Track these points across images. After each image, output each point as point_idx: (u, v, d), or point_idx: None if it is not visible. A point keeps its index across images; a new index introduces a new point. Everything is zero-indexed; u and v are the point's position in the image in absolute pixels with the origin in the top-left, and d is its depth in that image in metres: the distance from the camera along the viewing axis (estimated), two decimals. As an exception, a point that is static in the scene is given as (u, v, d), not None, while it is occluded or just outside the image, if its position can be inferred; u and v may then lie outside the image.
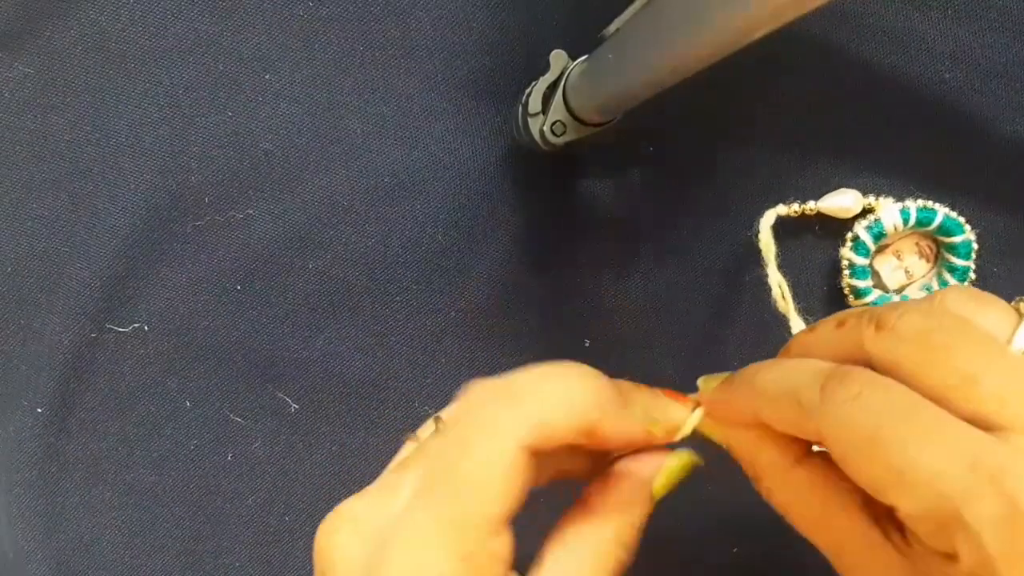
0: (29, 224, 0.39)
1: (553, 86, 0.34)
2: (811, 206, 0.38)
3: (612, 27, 0.30)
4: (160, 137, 0.38)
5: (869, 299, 0.38)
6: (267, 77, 0.38)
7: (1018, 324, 0.23)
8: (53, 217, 0.38)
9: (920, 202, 0.38)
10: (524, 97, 0.35)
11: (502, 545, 0.22)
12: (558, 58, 0.34)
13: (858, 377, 0.22)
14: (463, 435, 0.23)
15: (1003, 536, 0.19)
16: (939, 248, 0.39)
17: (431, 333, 0.39)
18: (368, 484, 0.40)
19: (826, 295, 0.40)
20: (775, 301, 0.35)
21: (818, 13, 0.24)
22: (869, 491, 0.22)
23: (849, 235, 0.38)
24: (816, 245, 0.39)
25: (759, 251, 0.38)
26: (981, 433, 0.20)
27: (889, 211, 0.38)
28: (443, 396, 0.39)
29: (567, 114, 0.33)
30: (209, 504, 0.39)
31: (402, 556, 0.22)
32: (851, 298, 0.39)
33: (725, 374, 0.28)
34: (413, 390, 0.39)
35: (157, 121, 0.38)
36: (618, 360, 0.39)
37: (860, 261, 0.38)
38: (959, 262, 0.38)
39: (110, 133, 0.38)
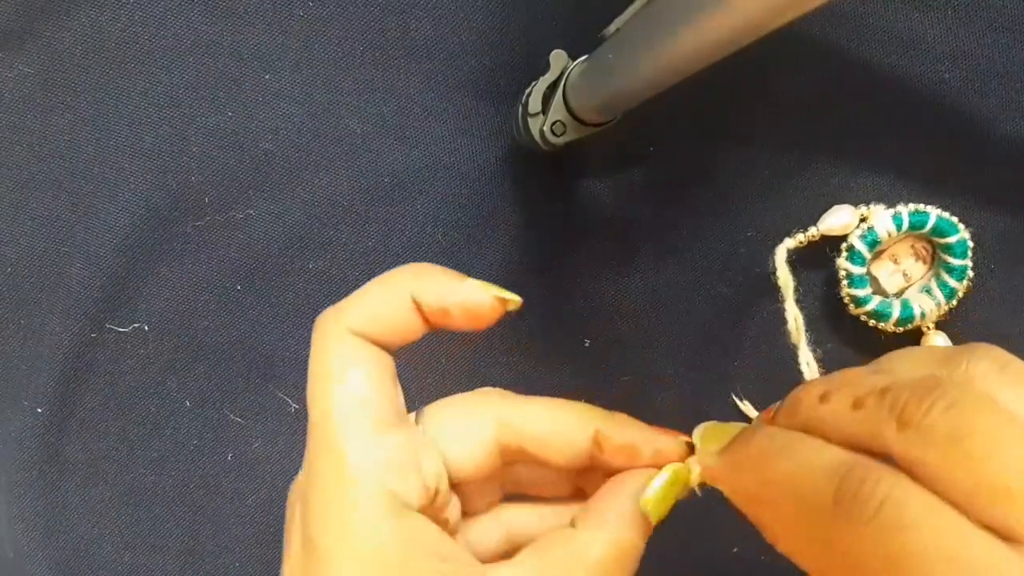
0: (29, 224, 0.39)
1: (553, 86, 0.34)
2: (813, 232, 0.38)
3: (612, 27, 0.30)
4: (160, 137, 0.38)
5: (870, 306, 0.38)
6: (267, 77, 0.38)
7: None
8: (53, 217, 0.38)
9: (911, 206, 0.38)
10: (524, 97, 0.35)
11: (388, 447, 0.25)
12: (558, 58, 0.34)
13: (875, 491, 0.20)
14: (311, 353, 0.26)
15: None
16: (935, 249, 0.39)
17: (431, 333, 0.39)
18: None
19: (826, 305, 0.40)
20: (789, 333, 0.36)
21: (818, 13, 0.24)
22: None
23: (844, 245, 0.38)
24: (813, 256, 0.39)
25: (763, 251, 0.38)
26: (1002, 547, 0.19)
27: (881, 218, 0.38)
28: (443, 396, 0.39)
29: (567, 114, 0.33)
30: (209, 504, 0.39)
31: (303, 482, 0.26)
32: (852, 307, 0.39)
33: (723, 425, 0.27)
34: (413, 390, 0.39)
35: (157, 121, 0.38)
36: (618, 360, 0.39)
37: (857, 270, 0.38)
38: (956, 261, 0.38)
39: (110, 133, 0.38)
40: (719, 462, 0.26)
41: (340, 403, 0.24)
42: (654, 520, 0.26)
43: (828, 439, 0.22)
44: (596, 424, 0.27)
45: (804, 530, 0.22)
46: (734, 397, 0.40)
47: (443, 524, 0.26)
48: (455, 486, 0.27)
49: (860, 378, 0.23)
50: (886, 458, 0.21)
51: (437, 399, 0.39)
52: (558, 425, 0.27)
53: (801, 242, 0.38)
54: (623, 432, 0.27)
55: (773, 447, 0.23)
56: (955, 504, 0.20)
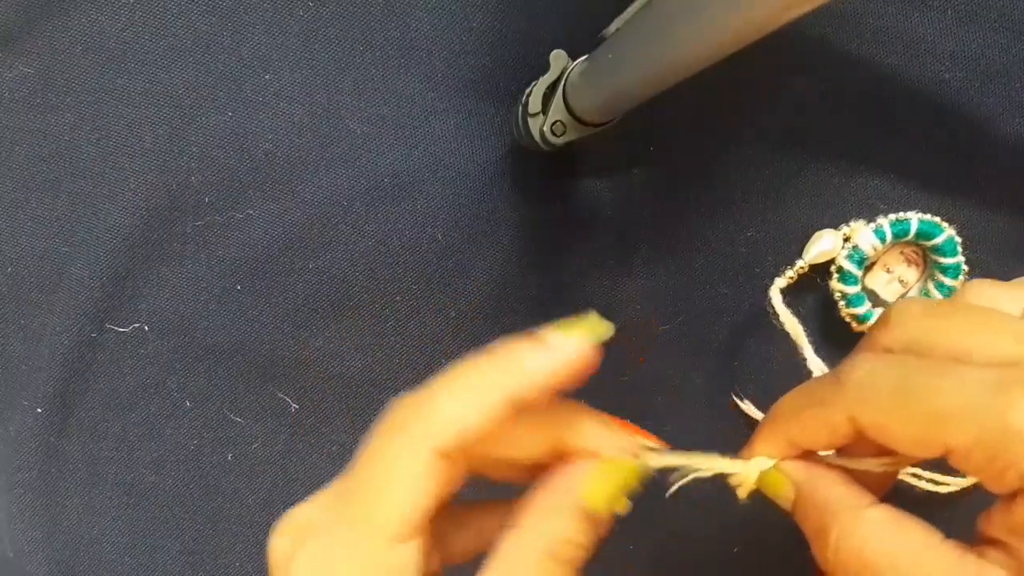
0: (29, 224, 0.39)
1: (553, 86, 0.34)
2: (801, 265, 0.38)
3: (612, 27, 0.30)
4: (160, 137, 0.38)
5: (873, 320, 0.38)
6: (267, 77, 0.38)
7: None
8: (53, 217, 0.38)
9: (892, 216, 0.38)
10: (524, 97, 0.35)
11: (410, 552, 0.22)
12: (558, 58, 0.34)
13: (869, 355, 0.23)
14: (375, 442, 0.23)
15: None
16: (925, 251, 0.39)
17: (431, 333, 0.39)
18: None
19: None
20: (812, 373, 0.35)
21: (818, 13, 0.24)
22: (917, 450, 0.22)
23: (833, 267, 0.38)
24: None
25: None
26: (1000, 366, 0.21)
27: (864, 234, 0.38)
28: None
29: (567, 114, 0.33)
30: (209, 504, 0.39)
31: (306, 555, 0.23)
32: (854, 324, 0.39)
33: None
34: (413, 390, 0.39)
35: (157, 121, 0.38)
36: (618, 360, 0.39)
37: (851, 290, 0.38)
38: (947, 260, 0.38)
39: (110, 133, 0.38)
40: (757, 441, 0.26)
41: (390, 522, 0.22)
42: (602, 514, 0.24)
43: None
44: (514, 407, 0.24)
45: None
46: (734, 397, 0.40)
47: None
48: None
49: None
50: None
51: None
52: (484, 418, 0.24)
53: (791, 278, 0.38)
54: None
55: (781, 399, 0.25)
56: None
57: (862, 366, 0.23)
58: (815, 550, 0.24)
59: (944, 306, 0.24)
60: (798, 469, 0.25)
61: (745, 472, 0.26)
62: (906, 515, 0.23)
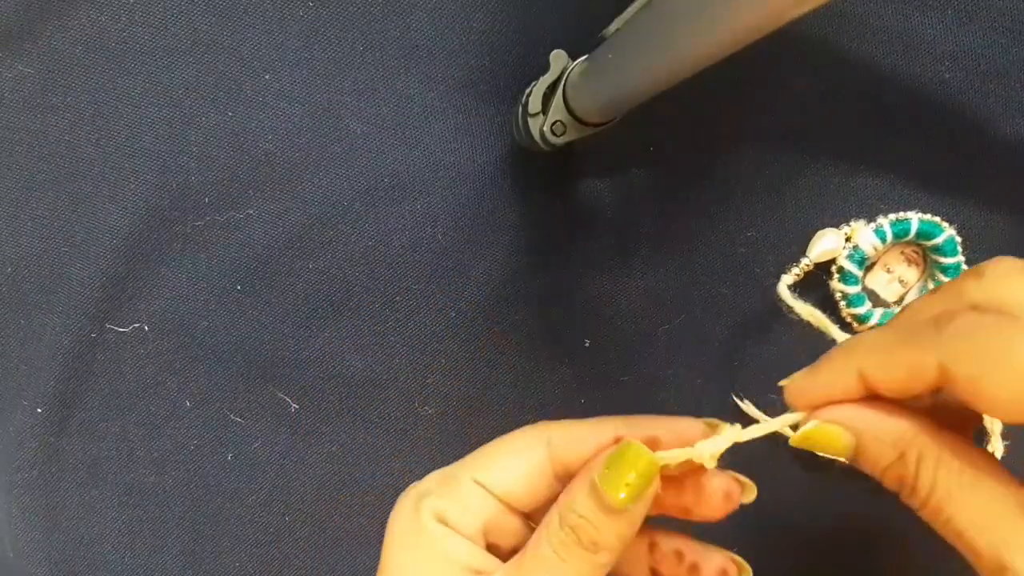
0: (29, 224, 0.39)
1: (553, 86, 0.34)
2: (807, 263, 0.38)
3: (612, 27, 0.30)
4: (160, 137, 0.38)
5: (873, 321, 0.38)
6: (267, 77, 0.38)
7: None
8: (53, 217, 0.38)
9: (892, 216, 0.38)
10: (524, 97, 0.35)
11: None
12: (558, 58, 0.34)
13: (971, 311, 0.22)
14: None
15: None
16: (925, 251, 0.39)
17: (431, 333, 0.39)
18: (368, 484, 0.40)
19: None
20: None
21: (818, 13, 0.24)
22: (1008, 412, 0.21)
23: (834, 267, 0.38)
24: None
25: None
26: None
27: (864, 234, 0.38)
28: (443, 396, 0.39)
29: (567, 114, 0.33)
30: (209, 504, 0.39)
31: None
32: (855, 325, 0.39)
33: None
34: (413, 390, 0.39)
35: (157, 121, 0.38)
36: (618, 360, 0.39)
37: (852, 290, 0.38)
38: (947, 260, 0.38)
39: (110, 133, 0.38)
40: (806, 375, 0.26)
41: None
42: (612, 497, 0.25)
43: None
44: (615, 430, 0.28)
45: None
46: (734, 397, 0.40)
47: None
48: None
49: None
50: None
51: (436, 398, 0.39)
52: (600, 439, 0.28)
53: (798, 275, 0.38)
54: (640, 428, 0.28)
55: (860, 334, 0.25)
56: None
57: (965, 316, 0.22)
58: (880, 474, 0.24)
59: None
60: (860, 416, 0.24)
61: (802, 427, 0.25)
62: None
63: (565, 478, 0.28)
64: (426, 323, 0.39)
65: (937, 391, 0.23)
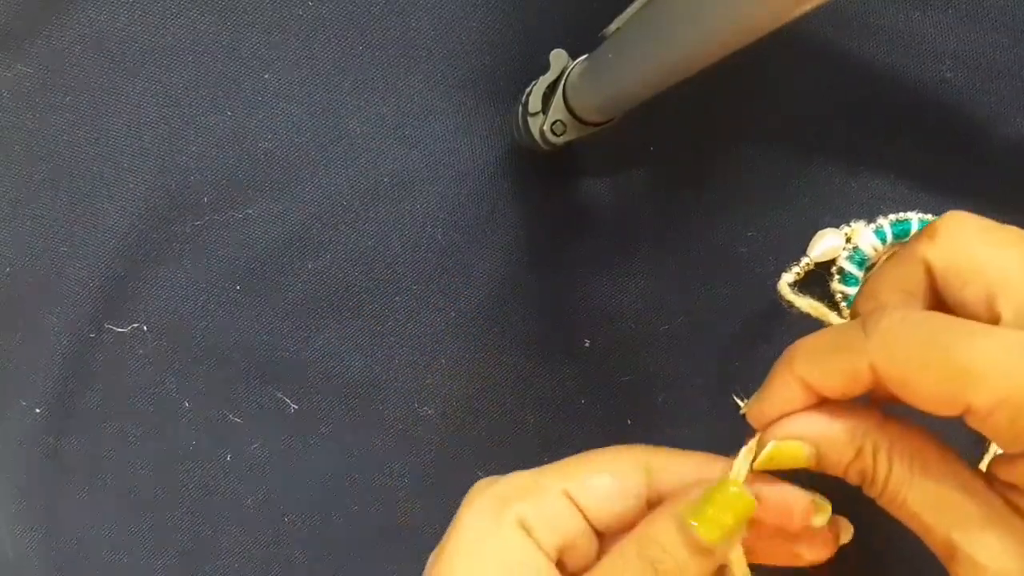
0: (28, 224, 0.38)
1: (553, 86, 0.34)
2: (807, 262, 0.38)
3: (612, 27, 0.30)
4: (159, 137, 0.38)
5: None
6: (266, 77, 0.38)
7: None
8: (52, 217, 0.38)
9: (892, 217, 0.38)
10: (524, 97, 0.35)
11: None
12: (558, 58, 0.33)
13: (897, 309, 0.23)
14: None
15: None
16: None
17: (431, 333, 0.39)
18: (368, 484, 0.40)
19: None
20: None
21: (818, 13, 0.24)
22: (936, 406, 0.22)
23: (835, 269, 0.38)
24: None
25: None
26: None
27: (865, 235, 0.38)
28: (443, 396, 0.39)
29: (567, 114, 0.33)
30: (208, 505, 0.39)
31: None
32: None
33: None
34: (413, 390, 0.39)
35: (156, 121, 0.38)
36: (618, 360, 0.39)
37: (852, 291, 0.38)
38: None
39: (109, 133, 0.38)
40: (759, 397, 0.27)
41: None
42: (704, 537, 0.24)
43: None
44: (723, 470, 0.27)
45: None
46: (734, 397, 0.40)
47: None
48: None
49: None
50: None
51: (436, 398, 0.39)
52: (705, 475, 0.27)
53: (799, 274, 0.38)
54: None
55: (796, 343, 0.25)
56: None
57: (891, 316, 0.23)
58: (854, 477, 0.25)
59: (995, 233, 0.24)
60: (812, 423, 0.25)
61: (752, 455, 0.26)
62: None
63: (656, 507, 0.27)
64: (426, 323, 0.39)
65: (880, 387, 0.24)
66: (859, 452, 0.25)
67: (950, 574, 0.23)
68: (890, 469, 0.24)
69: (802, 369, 0.25)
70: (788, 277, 0.38)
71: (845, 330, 0.24)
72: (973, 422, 0.22)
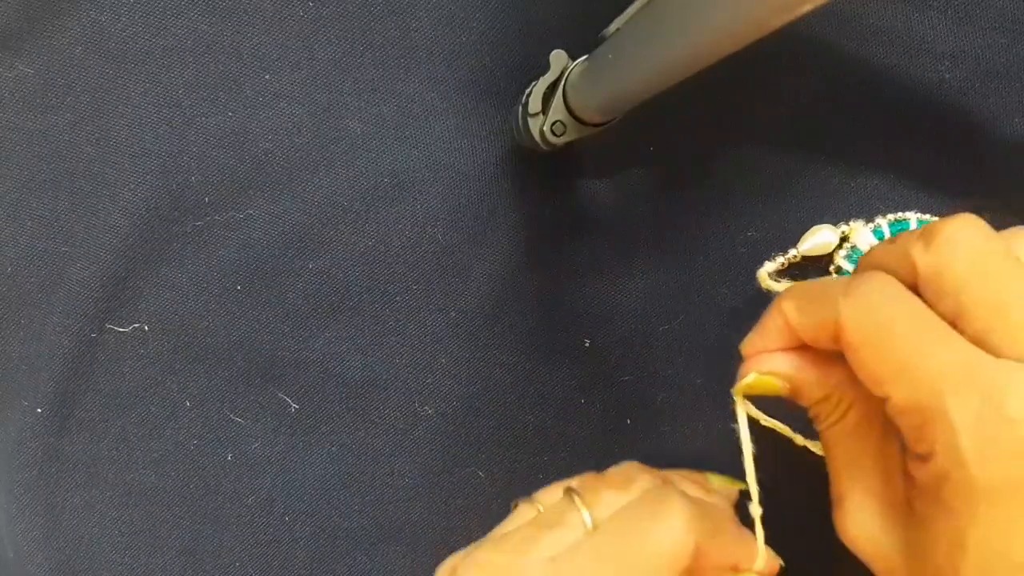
0: (29, 224, 0.39)
1: (553, 86, 0.34)
2: (794, 253, 0.38)
3: (612, 27, 0.30)
4: (160, 137, 0.38)
5: None
6: (267, 77, 0.38)
7: None
8: (53, 217, 0.38)
9: (890, 216, 0.38)
10: (524, 97, 0.35)
11: None
12: (558, 58, 0.34)
13: (883, 277, 0.24)
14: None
15: (980, 435, 0.21)
16: None
17: (431, 333, 0.39)
18: (368, 484, 0.40)
19: None
20: None
21: (818, 13, 0.24)
22: (867, 381, 0.23)
23: (832, 268, 0.38)
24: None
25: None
26: (983, 352, 0.22)
27: (863, 234, 0.38)
28: (443, 396, 0.39)
29: (567, 114, 0.33)
30: (209, 504, 0.39)
31: None
32: None
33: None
34: (413, 390, 0.39)
35: (157, 121, 0.38)
36: (618, 360, 0.39)
37: None
38: None
39: (110, 133, 0.38)
40: (753, 335, 0.28)
41: None
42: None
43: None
44: (757, 552, 0.31)
45: None
46: (734, 397, 0.40)
47: None
48: None
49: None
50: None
51: (436, 398, 0.39)
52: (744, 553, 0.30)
53: (782, 264, 0.38)
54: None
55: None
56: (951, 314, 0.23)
57: (871, 285, 0.24)
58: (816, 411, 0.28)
59: (986, 257, 0.24)
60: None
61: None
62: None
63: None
64: (426, 323, 0.39)
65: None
66: (826, 396, 0.27)
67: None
68: (837, 422, 0.27)
69: (788, 309, 0.26)
70: (770, 266, 0.38)
71: (833, 283, 0.25)
72: (890, 411, 0.23)
